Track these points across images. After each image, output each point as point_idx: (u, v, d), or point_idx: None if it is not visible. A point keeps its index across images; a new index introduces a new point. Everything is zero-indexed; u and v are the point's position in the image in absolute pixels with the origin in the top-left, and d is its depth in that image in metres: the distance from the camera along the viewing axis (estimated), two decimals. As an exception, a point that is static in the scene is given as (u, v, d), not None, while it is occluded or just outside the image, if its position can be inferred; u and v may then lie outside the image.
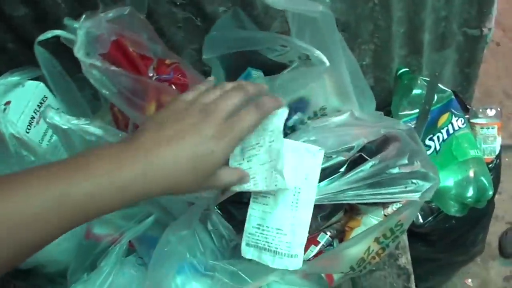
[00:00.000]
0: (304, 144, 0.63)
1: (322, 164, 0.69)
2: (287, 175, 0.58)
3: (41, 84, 0.74)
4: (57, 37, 0.69)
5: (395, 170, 0.67)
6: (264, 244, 0.62)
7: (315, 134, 0.66)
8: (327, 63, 0.65)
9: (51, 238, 0.41)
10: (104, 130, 0.56)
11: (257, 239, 0.62)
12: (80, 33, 0.57)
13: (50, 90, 0.75)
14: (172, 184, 0.47)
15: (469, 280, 1.65)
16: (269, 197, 0.62)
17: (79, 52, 0.56)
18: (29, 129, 0.70)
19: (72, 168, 0.42)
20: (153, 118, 0.50)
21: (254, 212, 0.63)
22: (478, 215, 1.16)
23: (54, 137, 0.75)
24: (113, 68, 0.56)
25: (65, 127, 0.55)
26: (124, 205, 0.45)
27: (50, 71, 0.67)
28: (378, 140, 0.72)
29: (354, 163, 0.69)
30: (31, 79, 0.75)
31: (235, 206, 0.71)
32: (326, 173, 0.68)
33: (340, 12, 0.92)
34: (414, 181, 0.67)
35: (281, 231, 0.62)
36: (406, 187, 0.67)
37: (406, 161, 0.66)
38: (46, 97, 0.74)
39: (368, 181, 0.66)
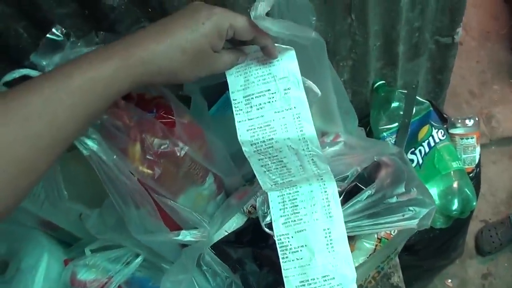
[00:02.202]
0: None
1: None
2: None
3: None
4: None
5: (393, 199, 0.65)
6: None
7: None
8: (319, 94, 0.63)
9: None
10: (99, 145, 0.53)
11: None
12: (49, 69, 0.52)
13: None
14: (163, 67, 0.49)
15: (449, 281, 1.67)
16: (301, 250, 0.61)
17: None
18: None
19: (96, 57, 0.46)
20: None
21: (290, 272, 0.61)
22: (461, 223, 1.17)
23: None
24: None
25: None
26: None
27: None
28: (371, 166, 0.70)
29: (349, 193, 0.67)
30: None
31: (230, 246, 0.68)
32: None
33: (319, 30, 0.90)
34: (411, 208, 0.66)
35: (328, 276, 0.60)
36: (403, 215, 0.66)
37: (403, 190, 0.65)
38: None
39: (367, 212, 0.64)
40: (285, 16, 0.65)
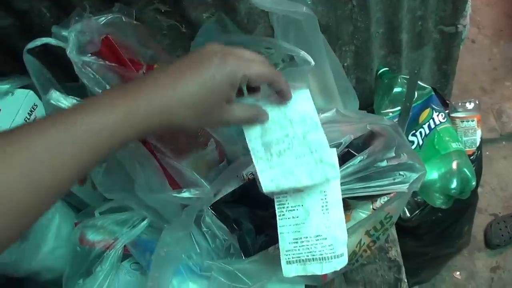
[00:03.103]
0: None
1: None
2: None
3: (31, 92, 0.74)
4: (43, 47, 0.69)
5: (383, 163, 0.69)
6: (307, 255, 0.62)
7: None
8: (312, 63, 0.67)
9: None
10: None
11: (299, 253, 0.62)
12: (71, 35, 0.58)
13: (40, 98, 0.75)
14: (171, 118, 0.48)
15: (457, 273, 1.68)
16: (297, 209, 0.62)
17: (71, 52, 0.57)
18: (20, 137, 0.70)
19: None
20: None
21: (285, 228, 0.63)
22: (463, 206, 1.19)
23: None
24: (106, 63, 0.57)
25: None
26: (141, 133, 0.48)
27: (39, 79, 0.67)
28: (364, 136, 0.74)
29: (342, 159, 0.71)
30: (21, 87, 0.75)
31: (228, 206, 0.73)
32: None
33: (321, 14, 0.94)
34: (401, 172, 0.70)
35: (320, 236, 0.62)
36: (394, 179, 0.69)
37: (393, 154, 0.69)
38: (36, 105, 0.74)
39: (358, 175, 0.68)
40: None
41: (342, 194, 0.68)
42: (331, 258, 0.61)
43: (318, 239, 0.62)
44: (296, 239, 0.63)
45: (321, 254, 0.62)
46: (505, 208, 1.77)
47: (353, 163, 0.68)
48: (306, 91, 0.59)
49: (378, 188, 0.69)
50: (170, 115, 0.48)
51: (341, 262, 0.62)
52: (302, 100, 0.59)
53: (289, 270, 0.62)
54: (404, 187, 0.69)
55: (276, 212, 0.64)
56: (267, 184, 0.59)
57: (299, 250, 0.62)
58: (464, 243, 1.50)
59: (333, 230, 0.62)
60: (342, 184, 0.68)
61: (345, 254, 0.62)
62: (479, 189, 1.73)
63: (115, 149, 0.46)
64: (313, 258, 0.62)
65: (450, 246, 1.41)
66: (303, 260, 0.62)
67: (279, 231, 0.63)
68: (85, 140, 0.43)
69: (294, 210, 0.63)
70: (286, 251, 0.62)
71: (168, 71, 0.49)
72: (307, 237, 0.63)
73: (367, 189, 0.69)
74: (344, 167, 0.68)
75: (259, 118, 0.58)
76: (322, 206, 0.63)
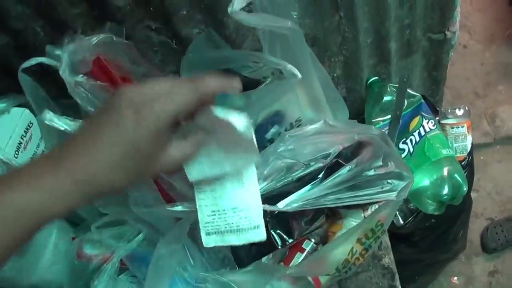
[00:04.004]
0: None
1: (301, 171, 0.73)
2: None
3: (27, 111, 0.76)
4: (38, 65, 0.71)
5: (371, 172, 0.70)
6: (225, 227, 0.63)
7: (293, 143, 0.70)
8: (299, 76, 0.69)
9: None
10: None
11: (217, 225, 0.64)
12: (64, 55, 0.60)
13: (35, 116, 0.77)
14: (102, 186, 0.45)
15: (455, 278, 1.69)
16: (214, 183, 0.63)
17: (64, 73, 0.59)
18: (16, 154, 0.72)
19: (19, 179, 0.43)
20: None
21: (203, 202, 0.64)
22: (456, 212, 1.21)
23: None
24: (98, 83, 0.59)
25: (63, 128, 0.57)
26: (65, 211, 0.45)
27: (35, 98, 0.69)
28: (353, 146, 0.76)
29: (331, 169, 0.72)
30: (16, 106, 0.77)
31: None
32: (305, 180, 0.72)
33: (309, 27, 0.96)
34: (389, 181, 0.71)
35: (236, 209, 0.63)
36: (382, 188, 0.71)
37: (380, 163, 0.70)
38: (31, 123, 0.76)
39: (347, 185, 0.69)
40: (267, 12, 0.71)
41: (331, 204, 0.70)
42: (248, 230, 0.63)
43: (235, 211, 0.64)
44: (214, 211, 0.64)
45: (238, 226, 0.63)
46: (501, 212, 1.78)
47: (342, 173, 0.70)
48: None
49: (367, 197, 0.71)
50: (97, 184, 0.45)
51: (258, 234, 0.63)
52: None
53: (209, 241, 0.64)
54: (392, 195, 0.71)
55: (194, 186, 0.64)
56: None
57: (217, 222, 0.64)
58: (460, 248, 1.51)
59: (249, 202, 0.64)
60: (331, 194, 0.70)
61: (262, 227, 0.63)
62: (475, 194, 1.76)
63: (41, 227, 0.43)
64: (230, 230, 0.64)
65: (445, 251, 1.42)
66: (221, 231, 0.64)
67: (197, 204, 0.64)
68: (7, 217, 0.41)
69: (211, 184, 0.63)
70: (205, 223, 0.64)
71: (85, 134, 0.46)
72: (224, 210, 0.64)
73: (356, 198, 0.71)
74: (333, 177, 0.70)
75: (197, 148, 0.54)
76: (238, 180, 0.64)
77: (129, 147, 0.44)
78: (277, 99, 0.77)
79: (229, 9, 0.60)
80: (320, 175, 0.72)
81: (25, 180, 0.42)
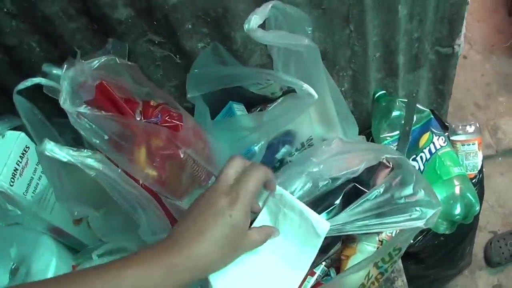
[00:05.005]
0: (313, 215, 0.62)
1: (327, 186, 0.70)
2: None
3: (22, 134, 0.72)
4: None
5: (402, 200, 0.67)
6: None
7: (317, 165, 0.66)
8: (316, 96, 0.66)
9: None
10: (103, 163, 0.55)
11: None
12: (64, 83, 0.55)
13: (32, 139, 0.73)
14: (206, 267, 0.53)
15: (458, 293, 1.66)
16: None
17: (65, 103, 0.54)
18: (12, 182, 0.67)
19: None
20: (184, 213, 0.56)
21: None
22: (465, 229, 1.18)
23: (39, 188, 0.72)
24: (102, 113, 0.55)
25: (65, 159, 0.53)
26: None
27: (30, 120, 0.65)
28: (372, 168, 0.72)
29: (349, 194, 0.69)
30: (11, 129, 0.72)
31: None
32: (323, 207, 0.68)
33: (319, 40, 0.93)
34: (417, 208, 0.68)
35: None
36: (411, 215, 0.67)
37: (411, 191, 0.67)
38: (28, 147, 0.72)
39: (375, 212, 0.66)
40: (282, 29, 0.68)
41: (357, 230, 0.66)
42: None
43: None
44: None
45: None
46: (504, 225, 1.76)
47: (369, 198, 0.66)
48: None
49: (394, 224, 0.67)
50: (206, 262, 0.52)
51: None
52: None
53: None
54: (420, 223, 0.67)
55: None
56: None
57: None
58: (466, 264, 1.48)
59: None
60: (357, 220, 0.66)
61: None
62: (478, 207, 1.73)
63: None
64: None
65: (452, 268, 1.39)
66: None
67: None
68: None
69: None
70: None
71: (191, 219, 0.54)
72: None
73: (383, 225, 0.67)
74: (359, 202, 0.66)
75: (272, 235, 0.60)
76: None
77: (227, 229, 0.53)
78: (291, 121, 0.73)
79: (246, 27, 0.57)
80: (338, 201, 0.68)
81: (143, 262, 0.50)
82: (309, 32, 0.71)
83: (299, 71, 0.70)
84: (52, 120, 0.77)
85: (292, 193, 0.66)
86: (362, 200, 0.65)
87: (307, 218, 0.61)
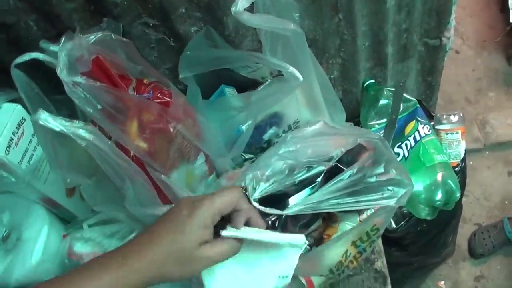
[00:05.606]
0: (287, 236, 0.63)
1: (303, 174, 0.73)
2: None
3: (19, 106, 0.74)
4: (32, 60, 0.70)
5: (373, 179, 0.70)
6: None
7: (294, 145, 0.69)
8: (301, 78, 0.69)
9: None
10: (94, 135, 0.57)
11: None
12: (61, 54, 0.58)
13: (28, 112, 0.75)
14: (156, 277, 0.54)
15: (442, 282, 1.70)
16: None
17: (61, 72, 0.57)
18: (8, 151, 0.70)
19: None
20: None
21: None
22: (448, 217, 1.21)
23: (33, 159, 0.75)
24: (97, 84, 0.57)
25: (58, 129, 0.56)
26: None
27: (27, 93, 0.68)
28: (354, 150, 0.75)
29: (330, 172, 0.72)
30: (8, 102, 0.75)
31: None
32: (307, 183, 0.71)
33: (308, 28, 0.95)
34: (389, 188, 0.71)
35: None
36: (382, 194, 0.70)
37: (382, 170, 0.70)
38: (24, 119, 0.74)
39: (348, 190, 0.69)
40: (270, 14, 0.70)
41: (331, 208, 0.69)
42: None
43: None
44: None
45: None
46: (488, 217, 1.79)
47: (343, 178, 0.69)
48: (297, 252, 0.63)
49: (366, 203, 0.70)
50: (157, 268, 0.53)
51: None
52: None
53: None
54: (392, 202, 0.71)
55: None
56: None
57: None
58: (449, 252, 1.52)
59: None
60: (332, 198, 0.69)
61: None
62: (464, 199, 1.76)
63: None
64: None
65: (435, 255, 1.42)
66: None
67: None
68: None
69: None
70: None
71: (147, 232, 0.55)
72: None
73: (356, 203, 0.70)
74: (333, 182, 0.69)
75: (234, 252, 0.59)
76: None
77: (181, 240, 0.53)
78: (277, 102, 0.76)
79: (233, 9, 0.59)
80: (319, 179, 0.71)
81: (94, 269, 0.52)
82: (296, 18, 0.73)
83: (286, 56, 0.73)
84: (48, 97, 0.80)
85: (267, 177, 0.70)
86: (336, 180, 0.68)
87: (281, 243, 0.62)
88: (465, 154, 1.12)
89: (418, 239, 1.22)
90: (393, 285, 0.94)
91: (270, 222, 0.71)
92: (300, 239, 0.61)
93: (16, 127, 0.73)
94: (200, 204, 0.54)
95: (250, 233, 0.58)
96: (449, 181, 1.01)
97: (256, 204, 0.68)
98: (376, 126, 1.11)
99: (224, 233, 0.57)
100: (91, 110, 0.58)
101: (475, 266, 1.72)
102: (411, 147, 1.06)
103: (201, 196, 0.57)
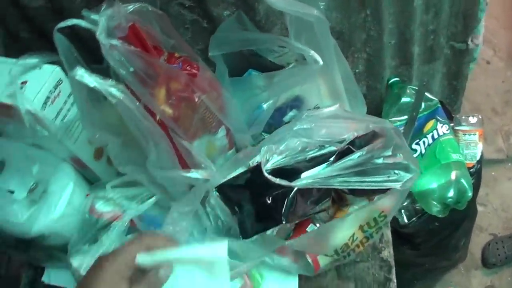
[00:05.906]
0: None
1: (315, 152, 0.76)
2: None
3: (58, 68, 0.78)
4: (71, 31, 0.74)
5: (380, 161, 0.73)
6: None
7: (309, 123, 0.73)
8: (321, 62, 0.72)
9: None
10: (125, 94, 0.62)
11: None
12: (101, 19, 0.63)
13: (66, 74, 0.80)
14: None
15: (452, 289, 1.71)
16: None
17: (100, 35, 0.62)
18: (44, 107, 0.75)
19: None
20: None
21: None
22: (460, 218, 1.23)
23: (67, 118, 0.80)
24: (132, 48, 0.62)
25: (92, 85, 0.61)
26: None
27: (67, 57, 0.72)
28: (367, 135, 0.79)
29: (342, 154, 0.75)
30: (48, 63, 0.79)
31: (232, 189, 0.78)
32: (317, 161, 0.75)
33: (335, 21, 0.99)
34: (396, 171, 0.74)
35: None
36: (389, 177, 0.74)
37: (390, 153, 0.73)
38: (61, 80, 0.78)
39: (355, 169, 0.72)
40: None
41: (338, 185, 0.73)
42: None
43: None
44: None
45: None
46: (505, 228, 1.79)
47: (352, 158, 0.72)
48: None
49: (373, 184, 0.74)
50: None
51: None
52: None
53: None
54: (397, 185, 0.74)
55: None
56: None
57: None
58: (460, 257, 1.52)
59: None
60: (340, 176, 0.73)
61: None
62: (482, 208, 1.77)
63: None
64: None
65: (446, 258, 1.43)
66: None
67: None
68: None
69: None
70: None
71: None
72: None
73: (363, 183, 0.73)
74: (344, 161, 0.73)
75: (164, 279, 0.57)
76: None
77: None
78: (298, 83, 0.80)
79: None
80: (332, 158, 0.75)
81: None
82: (322, 7, 0.77)
83: (310, 41, 0.77)
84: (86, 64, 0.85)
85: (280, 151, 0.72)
86: (346, 159, 0.71)
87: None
88: (481, 156, 1.13)
89: (429, 238, 1.24)
90: (404, 286, 0.96)
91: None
92: (221, 250, 0.55)
93: (54, 87, 0.77)
94: (111, 265, 0.53)
95: (167, 254, 0.55)
96: (463, 180, 1.03)
97: (268, 176, 0.72)
98: (397, 122, 1.14)
99: (140, 259, 0.54)
100: (124, 72, 0.63)
101: (486, 276, 1.72)
102: (428, 145, 1.08)
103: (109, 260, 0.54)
